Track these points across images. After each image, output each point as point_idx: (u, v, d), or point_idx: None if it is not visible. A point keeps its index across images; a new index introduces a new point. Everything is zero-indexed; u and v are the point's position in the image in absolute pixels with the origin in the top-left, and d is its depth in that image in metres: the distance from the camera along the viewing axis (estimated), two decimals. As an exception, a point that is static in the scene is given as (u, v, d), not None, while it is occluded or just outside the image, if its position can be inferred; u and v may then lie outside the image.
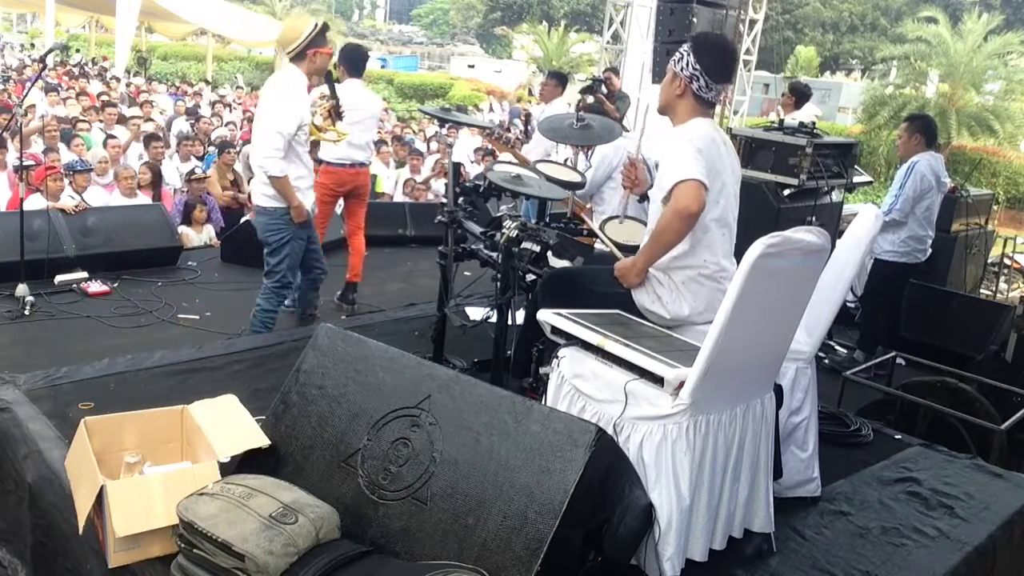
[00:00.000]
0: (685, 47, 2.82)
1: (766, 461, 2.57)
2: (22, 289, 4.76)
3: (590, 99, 6.47)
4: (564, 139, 4.46)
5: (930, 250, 5.21)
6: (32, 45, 24.87)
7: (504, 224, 3.45)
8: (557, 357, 2.56)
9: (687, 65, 2.76)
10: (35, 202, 5.68)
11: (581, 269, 3.17)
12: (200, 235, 6.88)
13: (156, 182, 7.24)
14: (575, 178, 4.23)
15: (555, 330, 2.56)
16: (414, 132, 13.22)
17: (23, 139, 5.39)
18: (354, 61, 5.30)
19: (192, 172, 7.57)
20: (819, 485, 3.02)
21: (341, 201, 5.53)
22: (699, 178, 2.58)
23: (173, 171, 7.97)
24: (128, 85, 16.28)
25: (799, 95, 7.47)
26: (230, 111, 14.10)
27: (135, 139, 8.69)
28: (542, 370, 3.12)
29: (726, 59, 2.84)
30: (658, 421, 2.29)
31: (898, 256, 5.09)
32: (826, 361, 5.02)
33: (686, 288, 2.76)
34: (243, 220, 6.90)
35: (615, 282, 2.86)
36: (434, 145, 10.75)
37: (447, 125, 4.76)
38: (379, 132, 10.91)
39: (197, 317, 4.99)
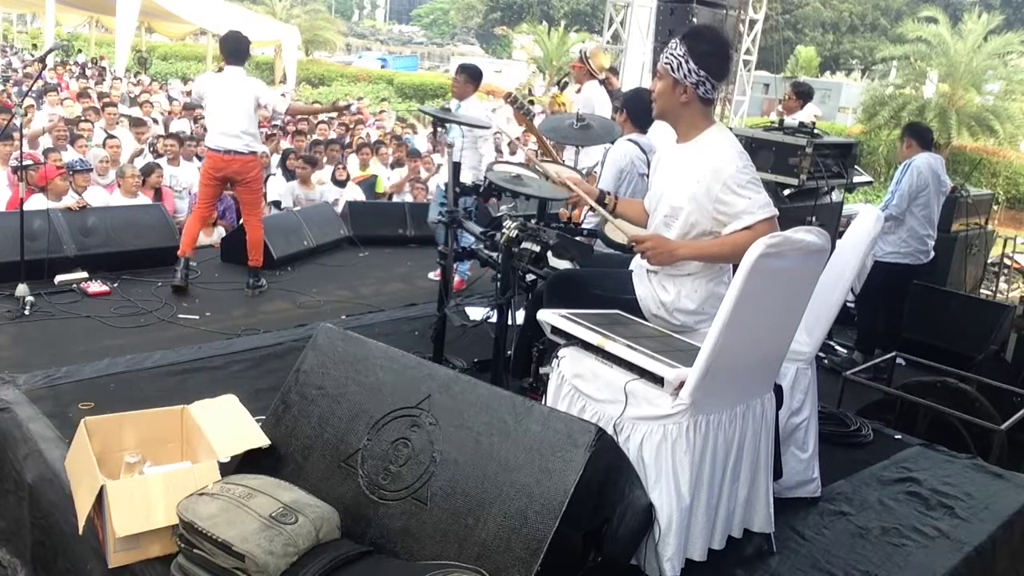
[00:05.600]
0: (679, 50, 2.62)
1: (766, 461, 2.57)
2: (22, 289, 4.75)
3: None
4: (564, 139, 4.46)
5: (933, 252, 5.21)
6: (34, 46, 24.86)
7: (504, 224, 3.45)
8: (557, 357, 2.55)
9: (690, 72, 2.61)
10: (35, 202, 5.68)
11: (587, 271, 3.15)
12: (210, 238, 6.84)
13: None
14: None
15: (555, 330, 2.56)
16: (414, 132, 13.19)
17: (23, 139, 5.39)
18: (234, 49, 5.38)
19: None
20: (819, 486, 3.02)
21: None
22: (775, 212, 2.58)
23: (193, 171, 7.89)
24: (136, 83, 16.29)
25: (805, 96, 7.45)
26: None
27: (142, 144, 8.69)
28: (542, 370, 3.12)
29: (726, 56, 2.72)
30: (658, 421, 2.29)
31: (900, 257, 5.09)
32: (826, 362, 5.02)
33: (695, 295, 2.74)
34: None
35: (621, 287, 2.85)
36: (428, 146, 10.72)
37: (447, 125, 4.72)
38: (381, 134, 10.90)
39: (197, 317, 4.99)
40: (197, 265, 5.91)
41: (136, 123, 9.31)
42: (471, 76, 5.65)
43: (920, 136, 5.18)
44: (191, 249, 5.51)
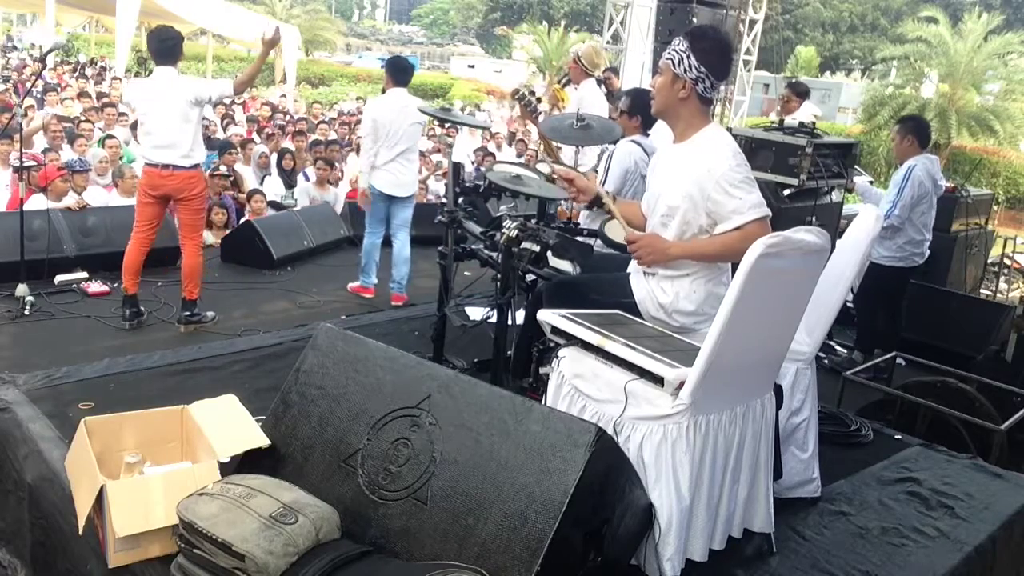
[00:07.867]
0: (682, 46, 2.65)
1: (766, 461, 2.57)
2: (22, 289, 4.76)
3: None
4: (564, 139, 4.45)
5: (928, 252, 5.21)
6: (36, 46, 24.85)
7: (504, 224, 3.44)
8: (557, 357, 2.55)
9: (690, 67, 2.64)
10: (35, 202, 5.69)
11: (585, 277, 3.14)
12: (216, 238, 6.83)
13: None
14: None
15: (555, 330, 2.56)
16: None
17: (23, 139, 5.39)
18: (162, 48, 4.72)
19: (216, 168, 7.55)
20: (819, 486, 3.02)
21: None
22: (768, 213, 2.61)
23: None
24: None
25: (803, 94, 7.44)
26: (242, 112, 13.96)
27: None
28: (542, 370, 3.11)
29: (727, 56, 2.75)
30: (658, 421, 2.29)
31: (895, 261, 5.09)
32: (826, 361, 5.02)
33: (693, 296, 2.74)
34: (242, 221, 6.90)
35: (620, 290, 2.84)
36: (430, 144, 10.70)
37: (447, 125, 4.71)
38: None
39: (197, 317, 4.98)
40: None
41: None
42: (386, 69, 5.80)
43: (921, 134, 5.16)
44: (135, 285, 4.78)
